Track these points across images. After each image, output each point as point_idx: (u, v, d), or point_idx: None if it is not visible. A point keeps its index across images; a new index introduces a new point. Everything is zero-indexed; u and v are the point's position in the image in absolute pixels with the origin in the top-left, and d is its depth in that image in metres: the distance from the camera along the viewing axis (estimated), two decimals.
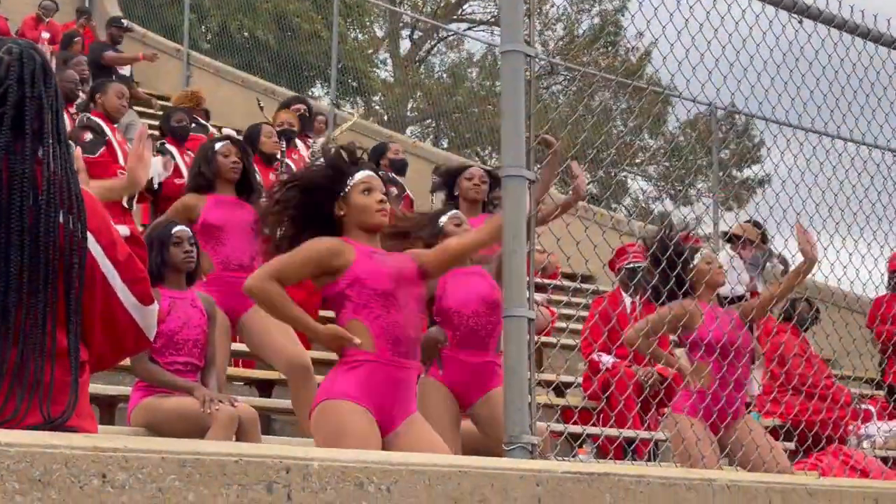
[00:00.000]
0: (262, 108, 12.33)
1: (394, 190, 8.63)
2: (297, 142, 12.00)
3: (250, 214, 7.52)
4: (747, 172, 30.07)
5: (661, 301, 6.91)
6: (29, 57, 3.18)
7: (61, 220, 3.07)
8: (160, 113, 15.11)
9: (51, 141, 3.14)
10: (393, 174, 11.57)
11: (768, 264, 11.18)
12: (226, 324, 7.40)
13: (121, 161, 9.80)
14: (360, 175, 5.22)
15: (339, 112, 16.72)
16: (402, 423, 5.13)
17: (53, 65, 14.13)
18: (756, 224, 10.53)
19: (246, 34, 25.60)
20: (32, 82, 3.15)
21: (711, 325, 6.84)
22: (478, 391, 6.45)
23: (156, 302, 3.38)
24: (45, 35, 16.72)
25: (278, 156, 10.59)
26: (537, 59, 4.73)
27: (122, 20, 16.83)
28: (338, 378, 5.10)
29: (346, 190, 5.19)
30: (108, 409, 7.53)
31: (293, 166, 10.77)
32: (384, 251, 5.24)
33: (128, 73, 15.48)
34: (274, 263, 5.15)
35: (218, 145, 7.81)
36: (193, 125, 11.96)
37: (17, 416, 2.90)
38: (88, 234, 3.14)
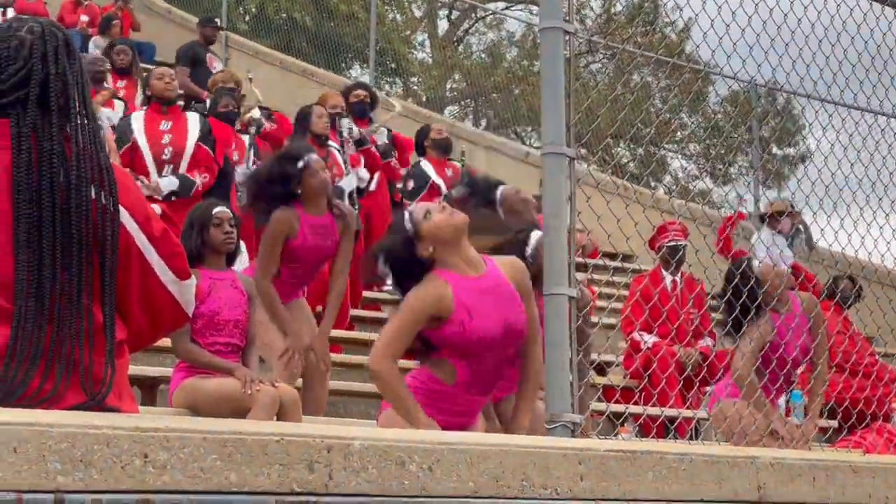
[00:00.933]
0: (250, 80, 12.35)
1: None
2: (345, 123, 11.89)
3: None
4: (788, 150, 29.88)
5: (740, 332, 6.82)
6: (51, 34, 3.18)
7: (92, 195, 3.06)
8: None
9: (78, 117, 3.13)
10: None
11: (796, 239, 11.16)
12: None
13: None
14: (420, 212, 5.13)
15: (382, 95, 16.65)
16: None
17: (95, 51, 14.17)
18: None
19: (284, 16, 25.60)
20: (56, 59, 3.14)
21: (784, 337, 6.78)
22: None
23: (193, 277, 3.37)
24: (84, 18, 16.73)
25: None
26: (576, 37, 4.69)
27: (215, 19, 16.48)
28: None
29: (418, 236, 5.08)
30: (150, 391, 7.56)
31: (338, 149, 10.77)
32: (483, 272, 5.10)
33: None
34: (386, 340, 5.04)
35: None
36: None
37: (57, 395, 2.90)
38: (122, 210, 3.12)
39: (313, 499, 2.80)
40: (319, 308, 8.13)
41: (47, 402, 2.85)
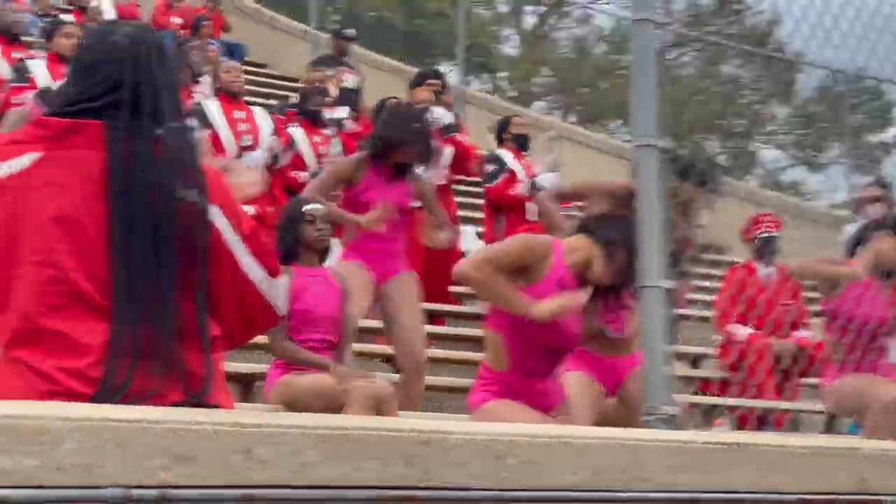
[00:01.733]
0: None
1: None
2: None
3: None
4: (881, 136, 29.51)
5: None
6: (142, 38, 3.23)
7: (183, 195, 3.10)
8: (289, 94, 15.22)
9: (168, 119, 3.18)
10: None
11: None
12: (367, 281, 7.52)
13: None
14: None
15: (468, 90, 16.64)
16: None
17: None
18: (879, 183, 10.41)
19: (373, 14, 25.69)
20: (148, 64, 3.19)
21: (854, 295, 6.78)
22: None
23: (284, 276, 3.39)
24: (177, 20, 16.92)
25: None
26: (667, 29, 4.67)
27: (347, 31, 16.48)
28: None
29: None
30: (246, 387, 7.63)
31: None
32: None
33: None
34: (486, 253, 5.33)
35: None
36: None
37: (157, 393, 2.93)
38: (213, 209, 3.15)
39: (413, 493, 2.81)
40: None
41: (149, 400, 2.88)
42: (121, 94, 3.12)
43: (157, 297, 3.02)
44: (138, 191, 3.05)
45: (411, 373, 7.53)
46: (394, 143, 7.69)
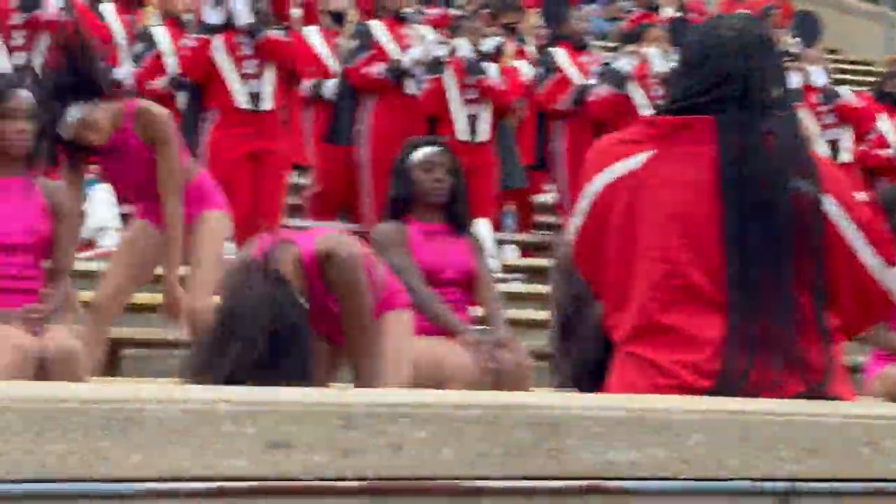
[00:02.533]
0: None
1: None
2: None
3: None
4: None
5: None
6: (748, 31, 3.26)
7: (796, 186, 3.09)
8: (868, 79, 14.80)
9: (776, 110, 3.18)
10: None
11: None
12: None
13: None
14: None
15: None
16: None
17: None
18: None
19: None
20: (755, 56, 3.20)
21: None
22: None
23: None
24: (744, 13, 16.85)
25: None
26: None
27: None
28: None
29: None
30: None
31: None
32: None
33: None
34: None
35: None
36: None
37: (778, 385, 2.93)
38: (826, 198, 3.12)
39: None
40: None
41: (768, 392, 2.88)
42: (729, 88, 3.16)
43: (775, 288, 3.03)
44: (751, 183, 3.07)
45: None
46: None
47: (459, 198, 5.86)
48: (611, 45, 13.38)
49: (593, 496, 2.38)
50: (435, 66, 10.01)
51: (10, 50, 8.85)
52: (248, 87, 8.85)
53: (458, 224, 5.88)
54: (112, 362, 6.76)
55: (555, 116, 10.97)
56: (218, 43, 8.82)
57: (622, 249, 3.12)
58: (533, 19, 12.65)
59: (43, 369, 4.93)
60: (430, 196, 5.82)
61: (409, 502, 2.29)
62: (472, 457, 2.29)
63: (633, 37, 11.35)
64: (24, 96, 5.42)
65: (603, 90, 10.52)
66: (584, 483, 2.36)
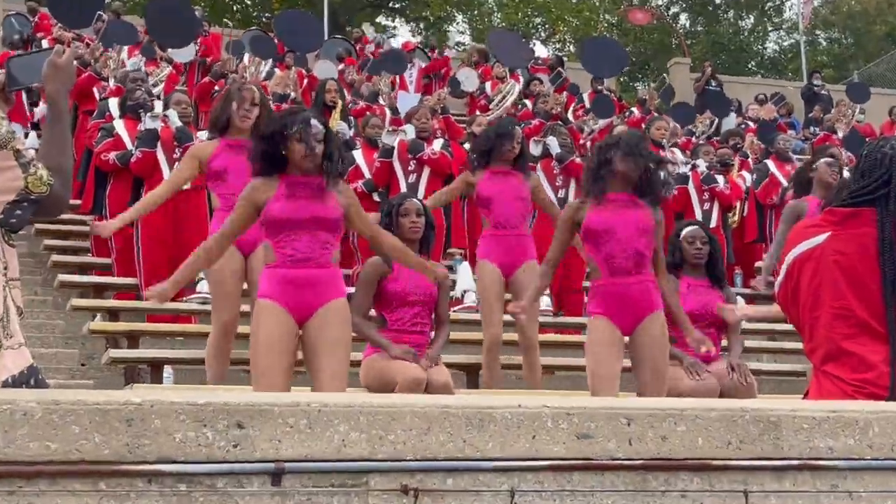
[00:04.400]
0: None
1: None
2: None
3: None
4: None
5: None
6: None
7: None
8: None
9: None
10: None
11: None
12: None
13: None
14: None
15: None
16: None
17: None
18: None
19: None
20: None
21: None
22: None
23: None
24: None
25: None
26: None
27: None
28: None
29: None
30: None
31: None
32: None
33: None
34: None
35: None
36: None
37: None
38: None
39: None
40: None
41: None
42: (889, 189, 4.32)
43: None
44: None
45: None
46: None
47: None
48: (804, 157, 16.34)
49: (803, 472, 3.37)
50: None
51: None
52: None
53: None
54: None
55: (767, 207, 14.49)
56: None
57: (813, 300, 4.30)
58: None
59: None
60: None
61: (676, 475, 3.30)
62: (718, 444, 3.31)
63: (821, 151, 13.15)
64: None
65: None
66: (796, 462, 3.36)
